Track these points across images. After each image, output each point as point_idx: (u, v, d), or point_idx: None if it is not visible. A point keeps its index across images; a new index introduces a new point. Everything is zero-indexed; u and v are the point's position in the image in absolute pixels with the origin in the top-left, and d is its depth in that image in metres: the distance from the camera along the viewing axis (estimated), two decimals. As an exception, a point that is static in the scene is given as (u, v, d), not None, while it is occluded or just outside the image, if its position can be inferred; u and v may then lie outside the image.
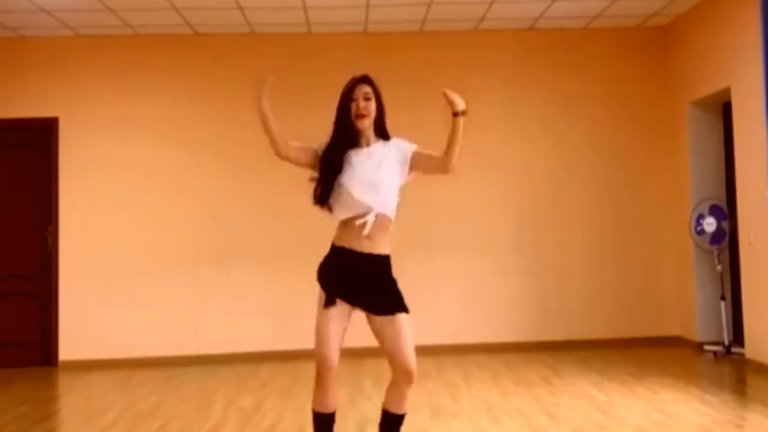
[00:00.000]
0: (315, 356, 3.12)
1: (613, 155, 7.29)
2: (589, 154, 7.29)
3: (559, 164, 7.27)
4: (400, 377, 3.13)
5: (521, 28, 7.26)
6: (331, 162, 3.15)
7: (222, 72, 7.18)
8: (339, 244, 3.16)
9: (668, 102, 7.30)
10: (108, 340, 6.91)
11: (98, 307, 6.93)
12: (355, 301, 3.12)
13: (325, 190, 3.14)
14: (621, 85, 7.34)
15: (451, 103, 3.13)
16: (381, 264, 3.15)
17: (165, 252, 7.02)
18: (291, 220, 6.91)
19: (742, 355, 6.18)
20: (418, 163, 3.25)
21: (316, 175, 3.22)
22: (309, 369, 6.29)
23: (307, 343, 7.45)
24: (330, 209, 3.17)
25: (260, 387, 5.75)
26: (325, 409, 3.16)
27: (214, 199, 7.09)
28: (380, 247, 3.14)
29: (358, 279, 3.11)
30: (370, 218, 3.09)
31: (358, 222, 3.10)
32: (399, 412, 3.19)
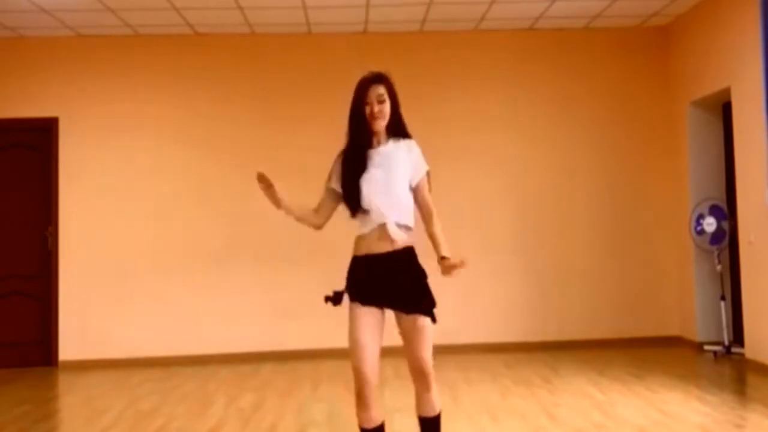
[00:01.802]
0: (352, 371, 2.98)
1: (613, 155, 7.29)
2: (589, 154, 7.29)
3: (559, 164, 7.27)
4: (417, 381, 3.05)
5: (521, 28, 7.26)
6: (351, 170, 3.05)
7: (222, 72, 7.18)
8: (357, 253, 3.08)
9: (668, 102, 7.30)
10: (108, 340, 6.91)
11: (98, 307, 6.94)
12: (381, 302, 3.01)
13: (354, 197, 3.02)
14: (621, 85, 7.34)
15: (450, 266, 3.01)
16: (404, 258, 3.04)
17: (165, 252, 7.02)
18: (292, 220, 6.89)
19: (742, 355, 6.18)
20: (415, 190, 3.16)
21: (333, 186, 3.10)
22: (309, 369, 6.32)
23: (308, 343, 7.47)
24: (355, 215, 3.07)
25: (260, 387, 5.75)
26: (372, 425, 2.99)
27: (214, 198, 7.09)
28: (399, 244, 3.03)
29: (383, 278, 3.00)
30: (393, 227, 2.99)
31: (375, 233, 3.01)
32: (431, 414, 3.10)
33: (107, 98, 7.11)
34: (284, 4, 6.38)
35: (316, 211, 3.16)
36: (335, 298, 3.04)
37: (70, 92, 7.10)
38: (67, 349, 6.89)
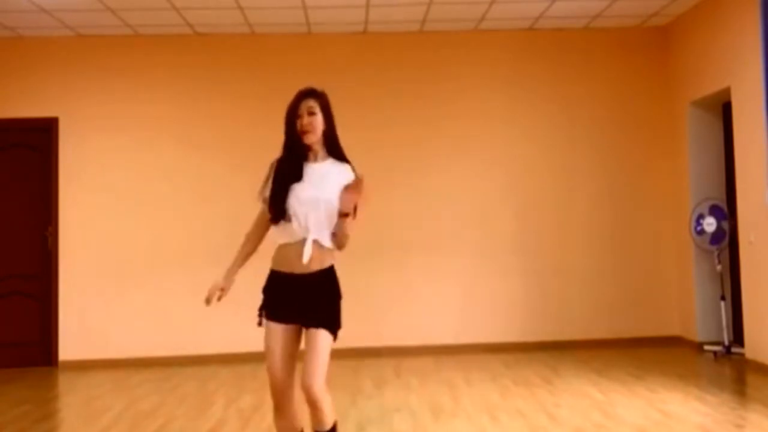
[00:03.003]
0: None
1: (613, 155, 7.29)
2: (589, 154, 7.29)
3: (559, 164, 7.27)
4: (306, 401, 2.94)
5: (521, 28, 7.26)
6: (282, 177, 3.04)
7: (222, 72, 7.18)
8: (276, 268, 3.08)
9: (668, 102, 7.30)
10: (108, 340, 6.91)
11: (98, 307, 6.93)
12: (294, 319, 3.01)
13: (279, 205, 3.01)
14: (621, 85, 7.34)
15: (345, 200, 2.95)
16: (320, 279, 3.02)
17: (165, 252, 7.02)
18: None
19: (742, 355, 6.18)
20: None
21: (266, 196, 3.11)
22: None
23: (307, 343, 7.39)
24: (276, 224, 3.05)
25: (260, 387, 5.75)
26: None
27: (214, 198, 7.08)
28: (320, 263, 3.01)
29: (298, 297, 3.00)
30: (308, 247, 2.97)
31: (296, 248, 2.99)
32: (323, 429, 3.00)
33: (107, 98, 7.11)
34: (284, 4, 6.38)
35: (257, 227, 3.19)
36: (260, 321, 3.08)
37: (70, 92, 7.09)
38: (67, 349, 6.89)
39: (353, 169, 3.12)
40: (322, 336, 2.96)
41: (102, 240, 6.99)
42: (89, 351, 6.87)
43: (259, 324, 3.08)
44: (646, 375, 5.72)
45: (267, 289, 3.10)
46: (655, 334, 7.15)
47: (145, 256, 7.00)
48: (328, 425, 3.00)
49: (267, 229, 3.17)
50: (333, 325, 3.01)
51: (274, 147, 7.87)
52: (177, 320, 6.96)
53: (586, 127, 7.30)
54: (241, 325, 6.99)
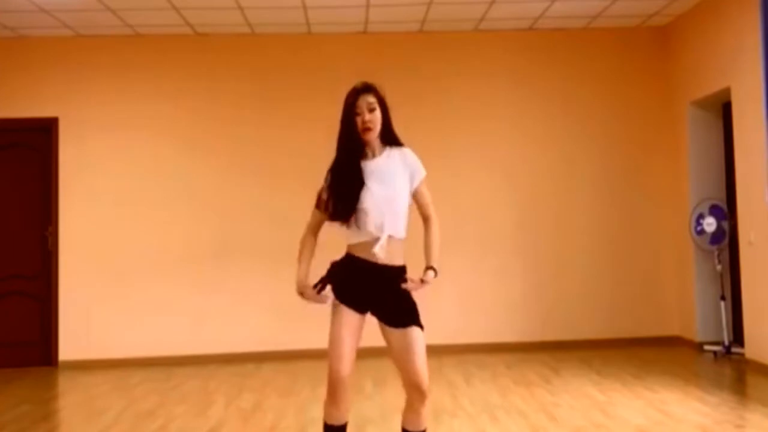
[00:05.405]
0: (328, 368, 3.02)
1: (613, 155, 7.29)
2: (590, 154, 7.29)
3: (559, 164, 7.27)
4: (412, 394, 3.02)
5: (521, 28, 7.26)
6: (347, 176, 3.00)
7: (222, 72, 7.18)
8: (355, 253, 3.05)
9: (668, 102, 7.30)
10: (108, 340, 6.91)
11: (98, 307, 6.93)
12: (367, 308, 3.02)
13: (347, 206, 2.98)
14: (621, 85, 7.34)
15: (413, 286, 3.03)
16: (396, 275, 3.03)
17: (165, 252, 7.02)
18: (292, 220, 6.86)
19: (742, 355, 6.18)
20: (416, 196, 3.16)
21: (325, 195, 3.06)
22: (309, 369, 6.31)
23: (308, 343, 7.47)
24: (348, 225, 3.02)
25: (260, 387, 5.75)
26: (337, 422, 3.06)
27: (214, 198, 7.09)
28: (395, 259, 3.04)
29: (372, 286, 3.01)
30: (383, 242, 2.97)
31: (371, 245, 2.98)
32: (417, 429, 3.06)
33: (107, 98, 7.11)
34: (284, 4, 6.38)
35: (312, 234, 3.18)
36: (322, 286, 3.04)
37: (70, 92, 7.09)
38: (67, 349, 6.89)
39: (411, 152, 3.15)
40: (420, 334, 3.01)
41: (102, 240, 6.99)
42: (89, 351, 6.87)
43: (319, 291, 3.03)
44: (646, 375, 5.72)
45: (341, 271, 3.05)
46: (655, 334, 7.15)
47: (145, 256, 7.00)
48: (423, 426, 3.06)
49: (318, 231, 3.18)
50: (419, 321, 3.03)
51: (274, 147, 7.90)
52: (177, 320, 6.97)
53: (586, 127, 7.30)
54: (241, 325, 7.02)
